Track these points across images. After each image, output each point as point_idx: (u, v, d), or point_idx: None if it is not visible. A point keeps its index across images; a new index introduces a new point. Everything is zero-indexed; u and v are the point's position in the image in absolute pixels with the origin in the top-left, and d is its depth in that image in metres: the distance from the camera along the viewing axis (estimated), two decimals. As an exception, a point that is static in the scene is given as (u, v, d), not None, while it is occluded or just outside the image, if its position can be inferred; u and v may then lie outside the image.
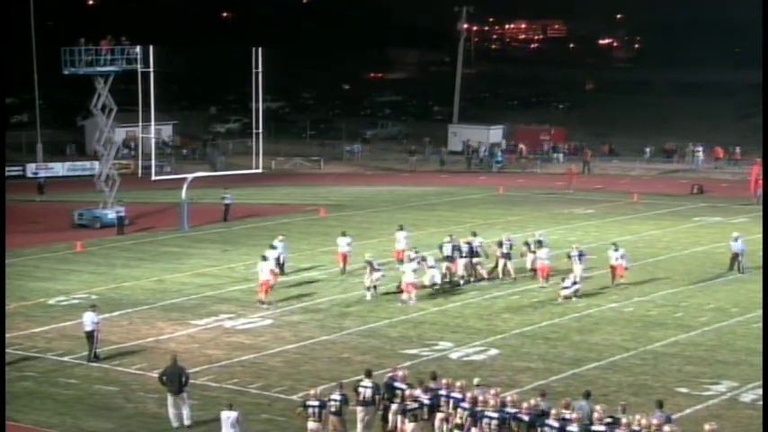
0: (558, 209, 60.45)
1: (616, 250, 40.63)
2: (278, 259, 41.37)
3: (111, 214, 54.77)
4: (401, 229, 45.21)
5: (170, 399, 26.31)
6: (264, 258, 38.96)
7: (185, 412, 26.23)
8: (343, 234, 44.22)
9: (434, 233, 46.13)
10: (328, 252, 45.63)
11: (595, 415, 22.53)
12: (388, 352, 32.32)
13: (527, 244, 42.68)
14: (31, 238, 51.25)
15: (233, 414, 24.33)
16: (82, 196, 61.26)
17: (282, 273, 41.58)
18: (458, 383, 24.50)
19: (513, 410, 23.00)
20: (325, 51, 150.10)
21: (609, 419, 22.56)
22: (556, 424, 22.38)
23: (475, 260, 41.36)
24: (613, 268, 40.42)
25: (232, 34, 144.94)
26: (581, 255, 40.27)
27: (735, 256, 43.16)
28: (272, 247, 42.04)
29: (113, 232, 52.94)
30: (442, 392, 24.22)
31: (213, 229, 54.28)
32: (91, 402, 28.28)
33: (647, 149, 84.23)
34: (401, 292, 38.40)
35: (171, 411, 26.31)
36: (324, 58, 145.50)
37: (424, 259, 39.97)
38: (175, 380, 26.31)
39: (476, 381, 25.02)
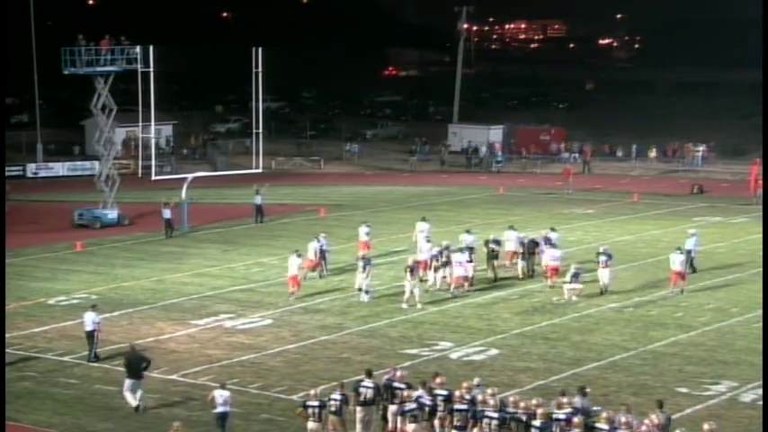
0: (558, 209, 60.45)
1: (681, 253, 39.39)
2: (322, 253, 42.20)
3: (111, 214, 54.96)
4: (423, 220, 45.77)
5: (127, 382, 27.46)
6: (299, 254, 39.24)
7: (139, 394, 27.36)
8: (365, 224, 45.41)
9: (434, 233, 46.06)
10: (329, 252, 45.59)
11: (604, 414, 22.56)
12: (388, 352, 32.33)
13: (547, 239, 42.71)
14: (31, 238, 51.24)
15: (226, 393, 25.45)
16: (82, 196, 61.25)
17: (325, 269, 42.44)
18: (438, 380, 24.88)
19: (513, 410, 23.03)
20: (326, 51, 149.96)
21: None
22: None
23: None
24: (677, 274, 39.06)
25: (232, 34, 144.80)
26: (609, 257, 39.79)
27: (688, 253, 42.09)
28: (316, 239, 42.68)
29: (116, 232, 52.98)
30: (443, 392, 24.27)
31: (213, 229, 54.29)
32: (91, 402, 28.31)
33: (633, 147, 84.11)
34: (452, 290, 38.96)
35: (128, 394, 27.38)
36: (324, 58, 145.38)
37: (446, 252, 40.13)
38: (137, 365, 27.59)
39: (476, 381, 25.05)
